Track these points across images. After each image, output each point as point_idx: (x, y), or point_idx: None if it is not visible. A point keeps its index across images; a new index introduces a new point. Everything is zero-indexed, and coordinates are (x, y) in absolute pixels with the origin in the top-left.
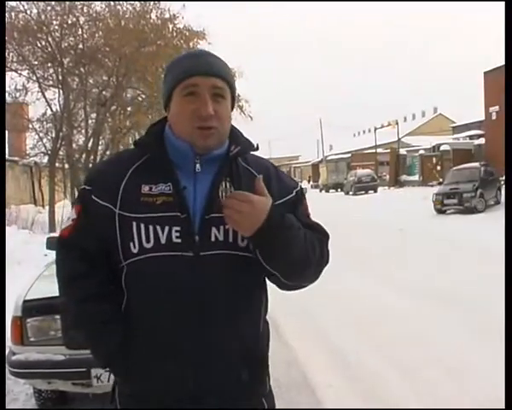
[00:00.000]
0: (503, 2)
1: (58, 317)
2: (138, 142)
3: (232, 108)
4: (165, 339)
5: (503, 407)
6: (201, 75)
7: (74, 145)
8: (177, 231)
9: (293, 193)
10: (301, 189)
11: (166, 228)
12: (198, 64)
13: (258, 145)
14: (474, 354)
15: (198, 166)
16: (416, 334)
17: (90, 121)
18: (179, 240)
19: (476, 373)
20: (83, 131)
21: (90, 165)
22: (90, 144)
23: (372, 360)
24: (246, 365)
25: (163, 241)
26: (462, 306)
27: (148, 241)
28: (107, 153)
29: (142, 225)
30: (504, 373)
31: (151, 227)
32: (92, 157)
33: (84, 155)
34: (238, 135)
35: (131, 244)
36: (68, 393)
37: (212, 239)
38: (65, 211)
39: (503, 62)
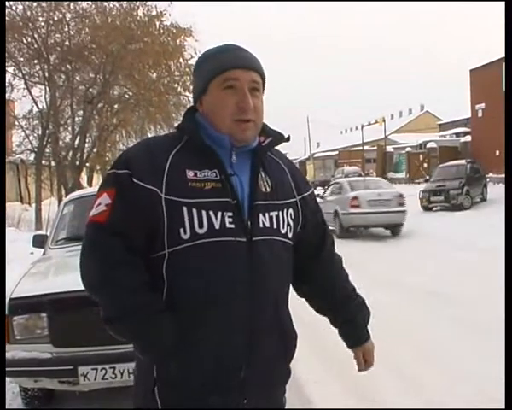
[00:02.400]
0: (496, 2)
1: (44, 315)
2: (183, 126)
3: None
4: (220, 324)
5: (503, 407)
6: (241, 68)
7: (61, 143)
8: (229, 217)
9: (310, 191)
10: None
11: (219, 213)
12: (238, 58)
13: (289, 136)
14: (461, 347)
15: (234, 156)
16: (403, 329)
17: (76, 119)
18: (232, 225)
19: (467, 372)
20: (69, 128)
21: (77, 163)
22: (76, 142)
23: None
24: (285, 352)
25: (217, 226)
26: (453, 302)
27: (201, 226)
28: (94, 150)
29: (195, 211)
30: (504, 373)
31: (204, 212)
32: (79, 155)
33: (70, 153)
34: (266, 127)
35: (181, 230)
36: (55, 391)
37: (261, 225)
38: (51, 209)
39: (489, 60)
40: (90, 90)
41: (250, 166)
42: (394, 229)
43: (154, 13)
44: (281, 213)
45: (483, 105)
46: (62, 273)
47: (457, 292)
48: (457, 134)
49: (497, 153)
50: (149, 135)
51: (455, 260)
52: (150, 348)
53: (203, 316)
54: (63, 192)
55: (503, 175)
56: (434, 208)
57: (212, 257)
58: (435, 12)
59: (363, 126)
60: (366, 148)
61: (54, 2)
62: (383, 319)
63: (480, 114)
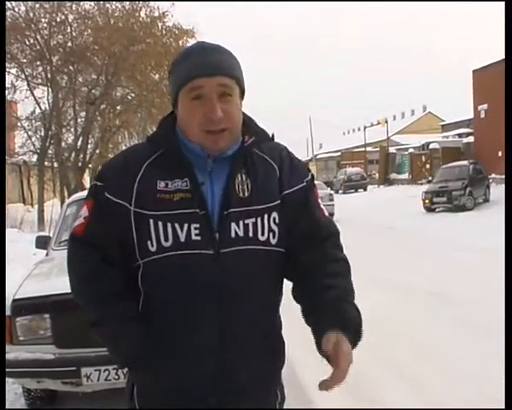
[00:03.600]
0: (499, 2)
1: (47, 316)
2: (151, 138)
3: (242, 100)
4: (187, 336)
5: (503, 407)
6: (206, 76)
7: (63, 144)
8: (196, 229)
9: (304, 182)
10: (312, 177)
11: (185, 225)
12: (202, 63)
13: (273, 135)
14: (461, 347)
15: (211, 165)
16: (402, 329)
17: (79, 120)
18: (199, 237)
19: (471, 373)
20: (72, 129)
21: (80, 164)
22: (79, 143)
23: (365, 360)
24: (262, 358)
25: (182, 239)
26: (453, 303)
27: (166, 239)
28: (97, 151)
29: (160, 223)
30: (504, 373)
31: (169, 225)
32: (81, 156)
33: (73, 154)
34: (251, 125)
35: (149, 243)
36: (58, 392)
37: (232, 235)
38: (54, 210)
39: (492, 61)
40: (93, 91)
41: (227, 172)
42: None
43: (156, 14)
44: (260, 219)
45: (485, 106)
46: (65, 274)
47: (458, 292)
48: (460, 135)
49: (500, 154)
50: None
51: (457, 261)
52: (118, 354)
53: (172, 328)
54: (66, 193)
55: None
56: (437, 209)
57: (178, 270)
58: (438, 12)
59: (365, 127)
60: (369, 149)
61: (56, 4)
62: (382, 318)
63: (482, 115)
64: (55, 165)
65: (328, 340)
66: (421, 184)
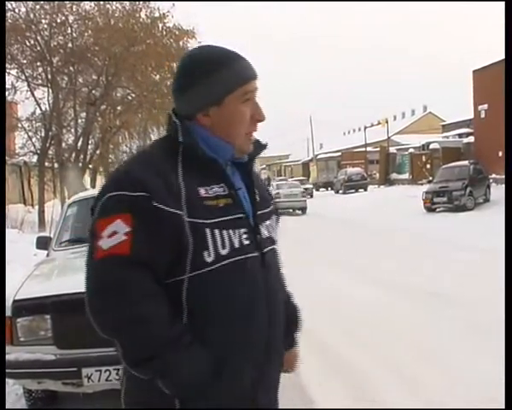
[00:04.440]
0: (498, 2)
1: (48, 317)
2: (187, 143)
3: None
4: (242, 344)
5: (503, 407)
6: (254, 79)
7: (64, 144)
8: (245, 233)
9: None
10: None
11: (237, 231)
12: (250, 68)
13: (266, 144)
14: (463, 347)
15: (229, 167)
16: (402, 329)
17: (79, 120)
18: (248, 241)
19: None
20: (72, 130)
21: (80, 164)
22: (79, 144)
23: (365, 360)
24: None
25: (237, 245)
26: (453, 303)
27: (223, 247)
28: (97, 152)
29: (217, 232)
30: (504, 373)
31: (225, 232)
32: (82, 156)
33: (73, 155)
34: None
35: (205, 253)
36: (59, 392)
37: (263, 236)
38: (54, 210)
39: (492, 61)
40: (93, 91)
41: (241, 177)
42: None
43: (156, 15)
44: (271, 220)
45: (486, 106)
46: (66, 275)
47: (459, 293)
48: (460, 135)
49: (500, 154)
50: (152, 137)
51: (457, 261)
52: (183, 382)
53: (227, 337)
54: (66, 194)
55: None
56: (437, 209)
57: (236, 277)
58: (438, 12)
59: (365, 127)
60: (369, 149)
61: (57, 5)
62: (382, 318)
63: (482, 115)
64: (56, 165)
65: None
66: (422, 184)
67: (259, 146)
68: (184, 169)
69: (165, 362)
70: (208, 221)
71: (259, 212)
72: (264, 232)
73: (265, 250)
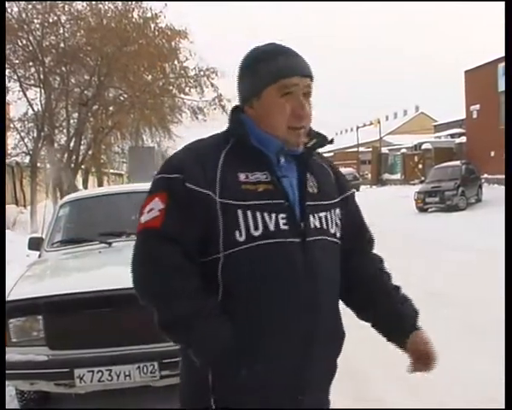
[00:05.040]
0: (491, 3)
1: (40, 317)
2: (231, 129)
3: None
4: (277, 328)
5: (503, 407)
6: (300, 76)
7: (56, 145)
8: (283, 218)
9: (352, 191)
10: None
11: (273, 215)
12: (297, 64)
13: (333, 139)
14: (460, 347)
15: (283, 159)
16: None
17: (71, 121)
18: (286, 227)
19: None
20: (64, 130)
21: (72, 165)
22: (71, 144)
23: (364, 361)
24: (335, 351)
25: (271, 228)
26: (446, 303)
27: (256, 228)
28: (89, 152)
29: (249, 213)
30: (504, 373)
31: (258, 214)
32: (74, 157)
33: (65, 155)
34: (311, 129)
35: (237, 233)
36: (51, 393)
37: (312, 226)
38: (47, 211)
39: (484, 61)
40: (85, 92)
41: (296, 168)
42: None
43: (149, 15)
44: (329, 213)
45: (478, 106)
46: (58, 276)
47: (451, 292)
48: (452, 135)
49: (492, 154)
50: (144, 137)
51: (449, 261)
52: (207, 351)
53: (259, 318)
54: (58, 195)
55: (498, 176)
56: (430, 209)
57: (268, 259)
58: (430, 12)
59: (358, 128)
60: (361, 149)
61: (49, 5)
62: None
63: (474, 115)
64: (48, 166)
65: (422, 339)
66: (414, 184)
67: (322, 140)
68: (229, 155)
69: (189, 329)
70: (241, 203)
71: (311, 202)
72: (315, 223)
73: (310, 239)
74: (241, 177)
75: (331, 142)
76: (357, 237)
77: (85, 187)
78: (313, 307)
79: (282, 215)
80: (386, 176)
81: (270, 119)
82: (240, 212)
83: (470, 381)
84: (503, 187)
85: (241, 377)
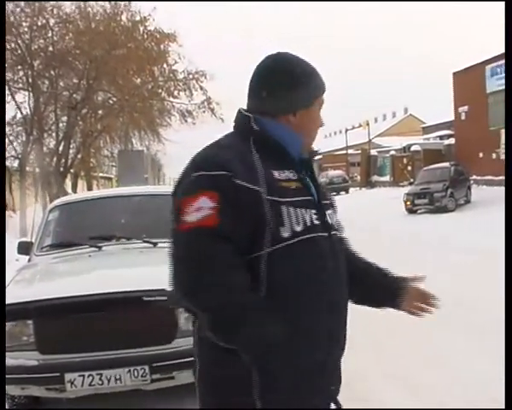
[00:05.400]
0: (479, 4)
1: (30, 322)
2: (259, 131)
3: None
4: (316, 321)
5: (503, 407)
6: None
7: (45, 149)
8: (315, 214)
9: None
10: None
11: (308, 211)
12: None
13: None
14: (452, 346)
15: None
16: (396, 329)
17: (60, 125)
18: (318, 222)
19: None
20: (53, 134)
21: (61, 169)
22: (60, 148)
23: (363, 360)
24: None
25: (308, 223)
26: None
27: (298, 224)
28: (79, 156)
29: (292, 209)
30: (504, 373)
31: (299, 211)
32: (63, 161)
33: (55, 159)
34: None
35: (282, 229)
36: (42, 398)
37: (330, 222)
38: (36, 215)
39: (472, 63)
40: (74, 95)
41: (305, 170)
42: None
43: (137, 18)
44: (332, 210)
45: (466, 108)
46: (48, 280)
47: (442, 291)
48: (441, 137)
49: (481, 155)
50: (133, 141)
51: (439, 262)
52: (260, 347)
53: (300, 312)
54: (47, 198)
55: (487, 177)
56: (419, 211)
57: (308, 253)
58: (417, 14)
59: (347, 130)
60: (350, 151)
61: (37, 8)
62: (373, 319)
63: (463, 117)
64: (37, 170)
65: (412, 290)
66: (403, 186)
67: (314, 150)
68: (259, 154)
69: (246, 327)
70: (283, 199)
71: (323, 201)
72: (329, 218)
73: (332, 233)
74: (276, 174)
75: (317, 152)
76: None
77: (74, 191)
78: (340, 295)
79: (313, 211)
80: (375, 178)
81: (312, 128)
82: (284, 208)
83: (470, 381)
84: (491, 188)
85: (286, 375)
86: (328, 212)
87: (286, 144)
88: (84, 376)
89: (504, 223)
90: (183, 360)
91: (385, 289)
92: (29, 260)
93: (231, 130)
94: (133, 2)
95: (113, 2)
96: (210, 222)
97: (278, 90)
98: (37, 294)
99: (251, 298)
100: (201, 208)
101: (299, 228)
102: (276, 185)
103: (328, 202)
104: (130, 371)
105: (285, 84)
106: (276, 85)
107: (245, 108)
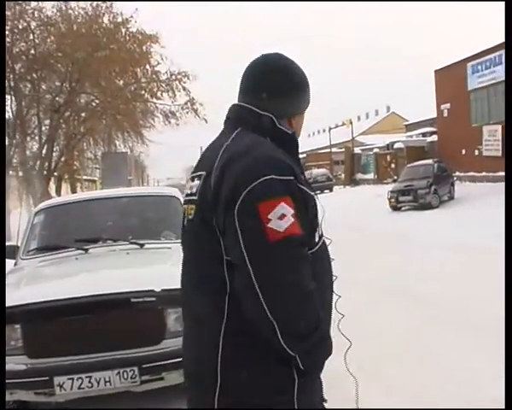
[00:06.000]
0: (459, 3)
1: (18, 326)
2: (290, 133)
3: None
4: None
5: (503, 407)
6: None
7: (28, 152)
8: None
9: None
10: None
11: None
12: None
13: None
14: (435, 341)
15: None
16: (383, 330)
17: (43, 128)
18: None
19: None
20: (36, 137)
21: (45, 172)
22: (44, 151)
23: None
24: None
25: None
26: (426, 301)
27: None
28: (62, 159)
29: (320, 211)
30: (504, 373)
31: (320, 212)
32: (47, 164)
33: (38, 162)
34: None
35: (316, 233)
36: (31, 402)
37: None
38: (20, 219)
39: (453, 60)
40: (57, 98)
41: None
42: None
43: (119, 20)
44: None
45: (448, 105)
46: (35, 284)
47: (424, 289)
48: (424, 134)
49: (463, 151)
50: (117, 143)
51: (423, 258)
52: (324, 360)
53: (326, 307)
54: (31, 202)
55: (470, 173)
56: (403, 208)
57: (328, 255)
58: (398, 12)
59: (330, 129)
60: (334, 150)
61: (18, 11)
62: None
63: (445, 114)
64: (20, 174)
65: None
66: (387, 183)
67: None
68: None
69: (319, 335)
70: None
71: None
72: None
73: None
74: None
75: None
76: None
77: (59, 194)
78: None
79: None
80: (359, 176)
81: (299, 132)
82: (319, 212)
83: (473, 381)
84: (474, 184)
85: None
86: None
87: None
88: (73, 379)
89: (504, 223)
90: (171, 361)
91: None
92: (15, 264)
93: (214, 130)
94: (114, 5)
95: (94, 4)
96: (296, 230)
97: (281, 93)
98: (24, 298)
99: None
100: (284, 216)
101: (320, 232)
102: (310, 187)
103: None
104: (119, 373)
105: (288, 88)
106: (278, 88)
107: (245, 105)
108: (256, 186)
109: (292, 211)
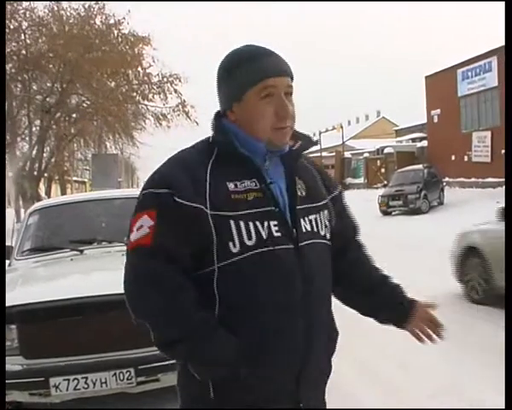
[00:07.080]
0: (448, 5)
1: (14, 327)
2: (216, 138)
3: None
4: (276, 337)
5: (503, 408)
6: (278, 76)
7: (18, 153)
8: (275, 226)
9: (339, 190)
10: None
11: (265, 223)
12: (273, 64)
13: (318, 140)
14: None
15: (267, 162)
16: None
17: (34, 129)
18: (279, 234)
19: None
20: (27, 138)
21: (35, 173)
22: (34, 152)
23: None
24: (330, 351)
25: (264, 236)
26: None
27: (249, 238)
28: (52, 160)
29: (242, 223)
30: (504, 373)
31: (251, 224)
32: (37, 165)
33: (28, 163)
34: (295, 130)
35: (231, 244)
36: (25, 403)
37: (303, 230)
38: (10, 220)
39: (444, 66)
40: (48, 99)
41: (284, 171)
42: None
43: (111, 21)
44: (318, 215)
45: (438, 111)
46: (30, 284)
47: (417, 290)
48: (414, 139)
49: (453, 157)
50: (108, 144)
51: (413, 262)
52: (212, 366)
53: (258, 327)
54: (21, 203)
55: (460, 179)
56: (393, 213)
57: (264, 267)
58: (388, 17)
59: (320, 133)
60: (324, 154)
61: (9, 11)
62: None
63: (435, 120)
64: (10, 174)
65: (421, 309)
66: (377, 188)
67: (308, 142)
68: (215, 165)
69: (189, 346)
70: (233, 213)
71: (301, 206)
72: (306, 226)
73: (303, 243)
74: (231, 186)
75: (316, 143)
76: (347, 236)
77: (49, 195)
78: (310, 310)
79: (273, 222)
80: (349, 180)
81: (253, 122)
82: (232, 222)
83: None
84: (464, 190)
85: (242, 393)
86: (311, 217)
87: (247, 148)
88: (69, 380)
89: (505, 224)
90: (167, 363)
91: (395, 309)
92: (9, 265)
93: (206, 133)
94: (107, 6)
95: (86, 5)
96: (147, 241)
97: (218, 86)
98: (19, 298)
99: (197, 318)
100: (142, 227)
101: (250, 242)
102: (227, 199)
103: (314, 204)
104: (115, 374)
105: (220, 77)
106: (217, 81)
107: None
108: (138, 200)
109: (151, 223)
